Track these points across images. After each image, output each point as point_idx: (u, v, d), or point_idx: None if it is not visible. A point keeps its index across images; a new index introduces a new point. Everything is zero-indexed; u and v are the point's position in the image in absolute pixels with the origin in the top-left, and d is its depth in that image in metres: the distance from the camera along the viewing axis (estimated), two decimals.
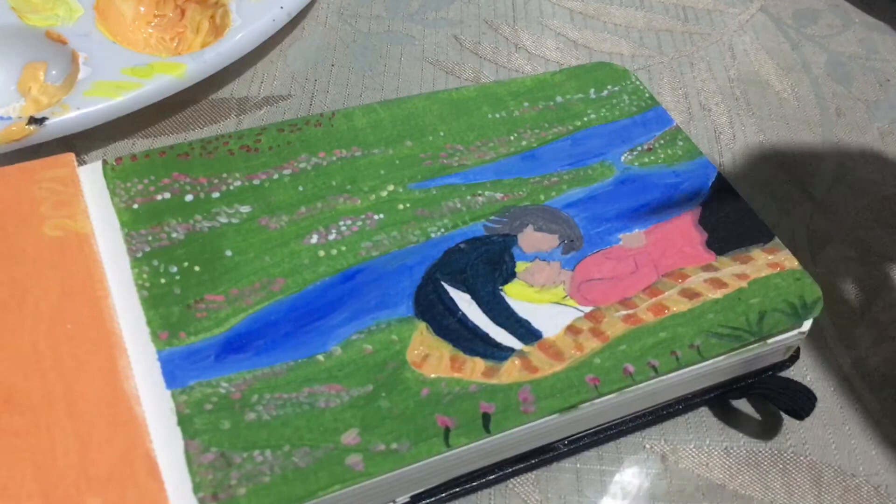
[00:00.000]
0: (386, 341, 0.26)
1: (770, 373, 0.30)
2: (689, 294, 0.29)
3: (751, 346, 0.28)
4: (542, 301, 0.28)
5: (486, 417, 0.25)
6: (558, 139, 0.34)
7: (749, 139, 0.41)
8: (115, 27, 0.39)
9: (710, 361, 0.27)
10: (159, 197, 0.30)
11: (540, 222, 0.31)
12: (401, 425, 0.24)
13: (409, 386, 0.25)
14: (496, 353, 0.27)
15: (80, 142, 0.36)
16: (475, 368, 0.26)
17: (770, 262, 0.30)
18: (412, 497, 0.26)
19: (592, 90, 0.36)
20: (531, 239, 0.30)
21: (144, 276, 0.27)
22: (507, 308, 0.28)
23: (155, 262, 0.28)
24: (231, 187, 0.30)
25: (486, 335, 0.27)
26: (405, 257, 0.29)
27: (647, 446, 0.29)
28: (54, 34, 0.37)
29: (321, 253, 0.29)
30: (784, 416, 0.30)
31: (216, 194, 0.30)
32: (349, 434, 0.24)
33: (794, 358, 0.31)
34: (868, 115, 0.43)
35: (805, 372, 0.31)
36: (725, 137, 0.41)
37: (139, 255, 0.28)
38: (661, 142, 0.34)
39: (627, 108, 0.36)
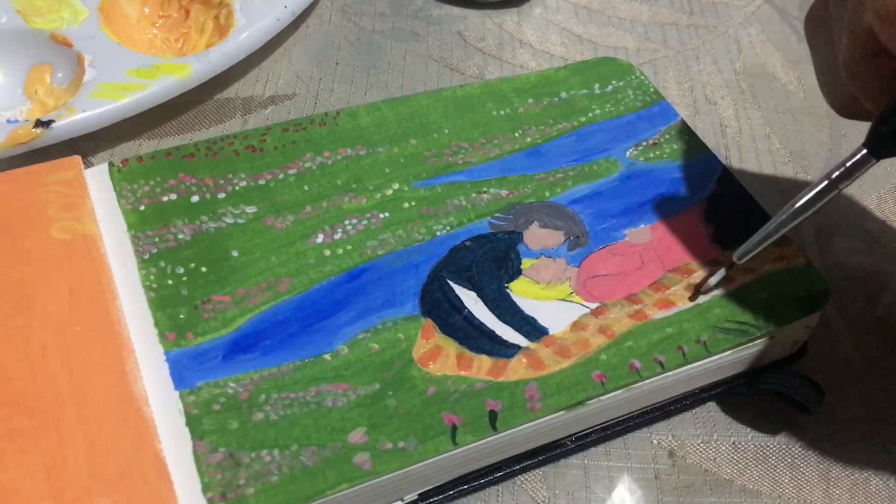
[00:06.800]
0: (392, 340, 0.26)
1: (777, 367, 0.30)
2: (696, 289, 0.29)
3: (757, 341, 0.28)
4: (548, 298, 0.28)
5: (492, 415, 0.25)
6: (563, 135, 0.34)
7: (755, 132, 0.41)
8: (120, 29, 0.39)
9: (717, 356, 0.27)
10: (165, 198, 0.30)
11: (545, 219, 0.31)
12: (408, 423, 0.24)
13: (415, 384, 0.25)
14: (502, 350, 0.27)
15: (86, 144, 0.36)
16: (482, 366, 0.26)
17: (776, 255, 0.30)
18: (420, 495, 0.26)
19: (597, 85, 0.36)
20: (536, 236, 0.30)
21: (151, 277, 0.27)
22: (513, 305, 0.28)
23: (162, 264, 0.28)
24: (237, 188, 0.30)
25: (493, 332, 0.27)
26: (411, 256, 0.29)
27: (655, 442, 0.29)
28: (59, 36, 0.37)
29: (327, 252, 0.29)
30: (792, 410, 0.30)
31: (222, 195, 0.30)
32: (356, 433, 0.24)
33: (802, 352, 0.31)
34: None
35: (812, 366, 0.31)
36: (731, 131, 0.41)
37: (146, 256, 0.28)
38: (667, 136, 0.34)
39: (632, 103, 0.36)
